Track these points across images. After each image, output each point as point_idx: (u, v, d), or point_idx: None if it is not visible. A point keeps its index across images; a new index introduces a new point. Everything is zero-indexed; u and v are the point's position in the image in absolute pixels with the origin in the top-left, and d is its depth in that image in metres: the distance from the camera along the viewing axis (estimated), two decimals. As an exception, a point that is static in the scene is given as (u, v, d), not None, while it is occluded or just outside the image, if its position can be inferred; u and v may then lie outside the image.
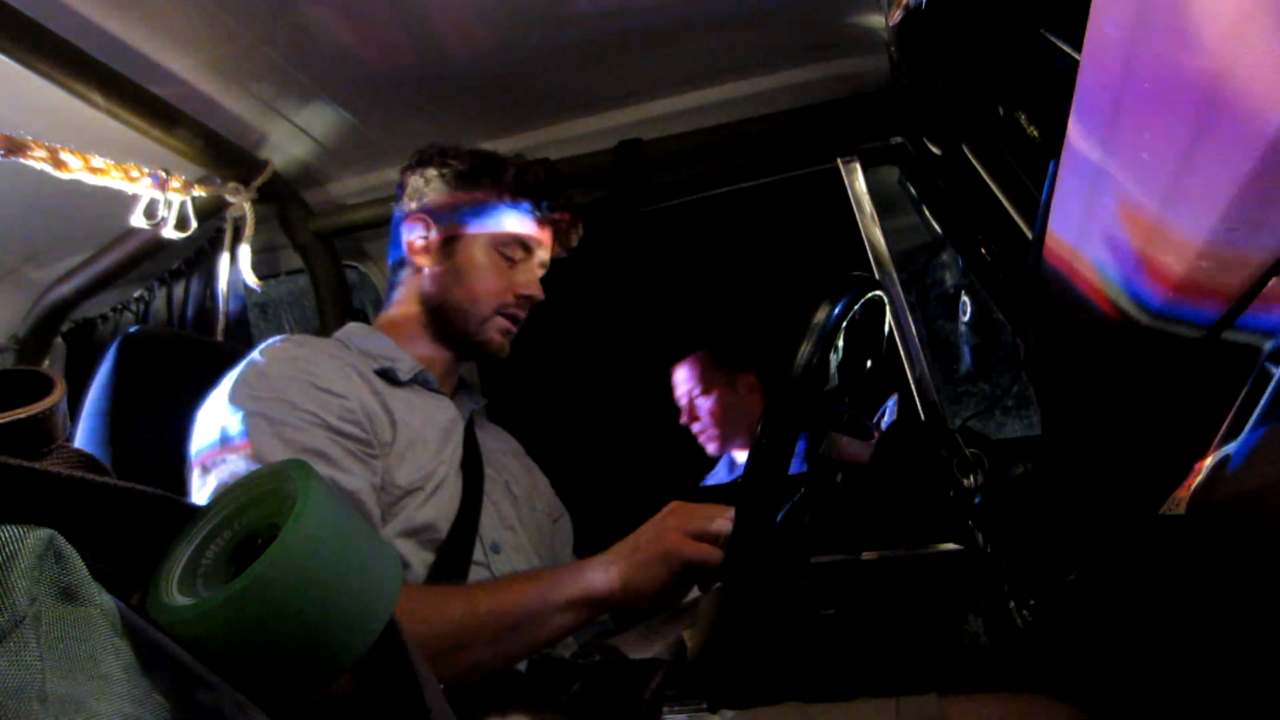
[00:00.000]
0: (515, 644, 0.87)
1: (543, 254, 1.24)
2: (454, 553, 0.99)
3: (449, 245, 1.19)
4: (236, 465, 0.86)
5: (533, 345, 1.32)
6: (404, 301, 1.22)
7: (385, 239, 1.84)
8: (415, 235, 1.21)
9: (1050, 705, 0.83)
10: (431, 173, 1.22)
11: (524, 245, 1.21)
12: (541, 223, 1.23)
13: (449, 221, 1.20)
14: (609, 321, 2.62)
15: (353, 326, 1.21)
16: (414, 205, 1.22)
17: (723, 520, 0.90)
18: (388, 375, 1.11)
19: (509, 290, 1.19)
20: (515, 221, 1.20)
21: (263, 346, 1.01)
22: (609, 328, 2.64)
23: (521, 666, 1.01)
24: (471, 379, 1.39)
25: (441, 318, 1.19)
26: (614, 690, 0.99)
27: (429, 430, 1.08)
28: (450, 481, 1.06)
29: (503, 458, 1.25)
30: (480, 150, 1.25)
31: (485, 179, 1.20)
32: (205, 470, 0.88)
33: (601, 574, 0.89)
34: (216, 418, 0.92)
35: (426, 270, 1.20)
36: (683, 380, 2.22)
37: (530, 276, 1.22)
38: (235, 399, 0.92)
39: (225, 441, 0.89)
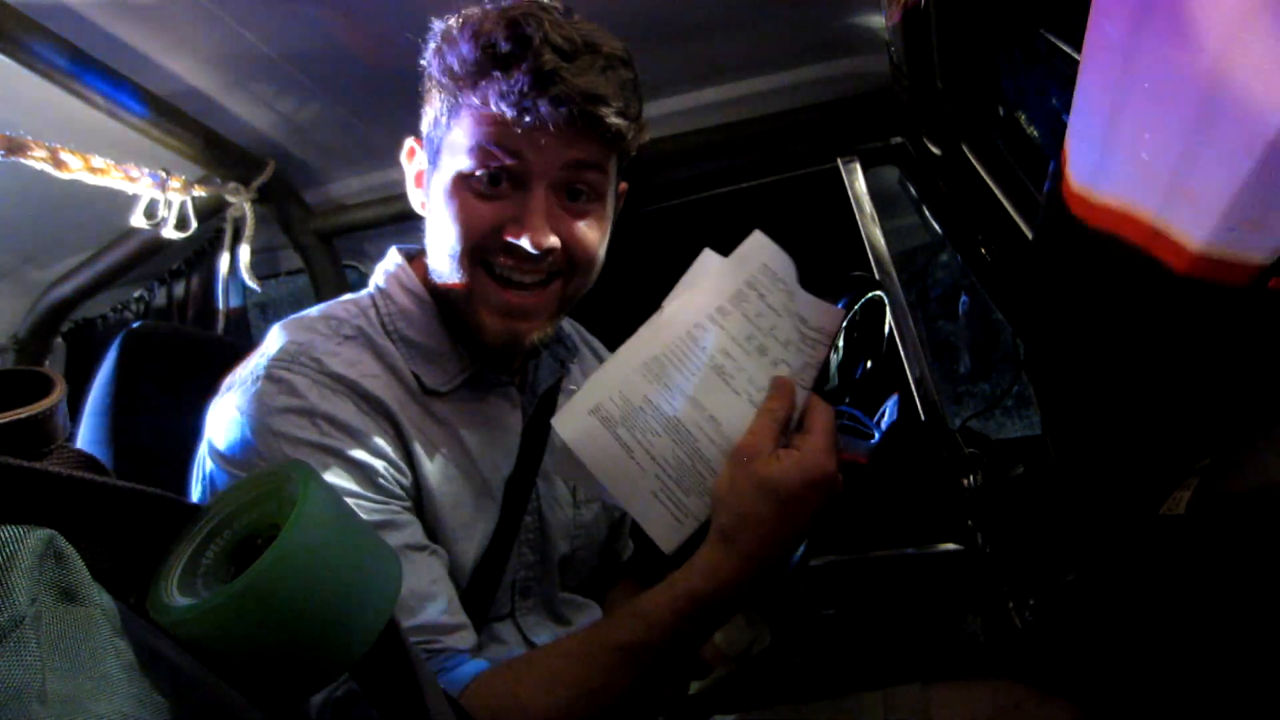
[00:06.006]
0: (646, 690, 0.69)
1: (544, 168, 0.76)
2: (471, 604, 0.80)
3: (427, 181, 0.84)
4: None
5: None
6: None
7: (385, 239, 1.86)
8: (411, 170, 0.88)
9: (1032, 693, 0.83)
10: (431, 72, 0.82)
11: (492, 164, 0.76)
12: (516, 118, 0.73)
13: (427, 145, 0.84)
14: (609, 321, 2.62)
15: (396, 282, 0.88)
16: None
17: (786, 403, 0.68)
18: (429, 387, 0.84)
19: (487, 238, 0.78)
20: (479, 127, 0.76)
21: (265, 370, 0.76)
22: (609, 327, 2.63)
23: None
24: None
25: (442, 297, 0.86)
26: None
27: (467, 464, 0.84)
28: (486, 522, 0.85)
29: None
30: (468, 13, 0.78)
31: (435, 69, 0.80)
32: None
33: (741, 596, 0.67)
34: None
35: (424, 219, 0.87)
36: None
37: (518, 213, 0.76)
38: (245, 467, 0.73)
39: None
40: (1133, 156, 0.60)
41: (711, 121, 1.58)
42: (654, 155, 1.60)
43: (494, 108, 0.73)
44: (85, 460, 0.41)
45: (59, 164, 1.23)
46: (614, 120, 0.75)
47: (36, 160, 1.20)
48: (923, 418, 1.60)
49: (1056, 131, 0.74)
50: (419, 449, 0.80)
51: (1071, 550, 1.00)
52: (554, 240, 0.77)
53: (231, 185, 1.59)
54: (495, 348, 0.83)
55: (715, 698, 0.96)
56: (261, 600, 0.37)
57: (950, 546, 1.51)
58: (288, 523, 0.39)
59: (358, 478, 0.75)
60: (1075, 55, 0.65)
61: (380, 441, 0.77)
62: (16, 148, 1.17)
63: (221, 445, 0.75)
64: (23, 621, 0.29)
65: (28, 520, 0.32)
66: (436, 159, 0.82)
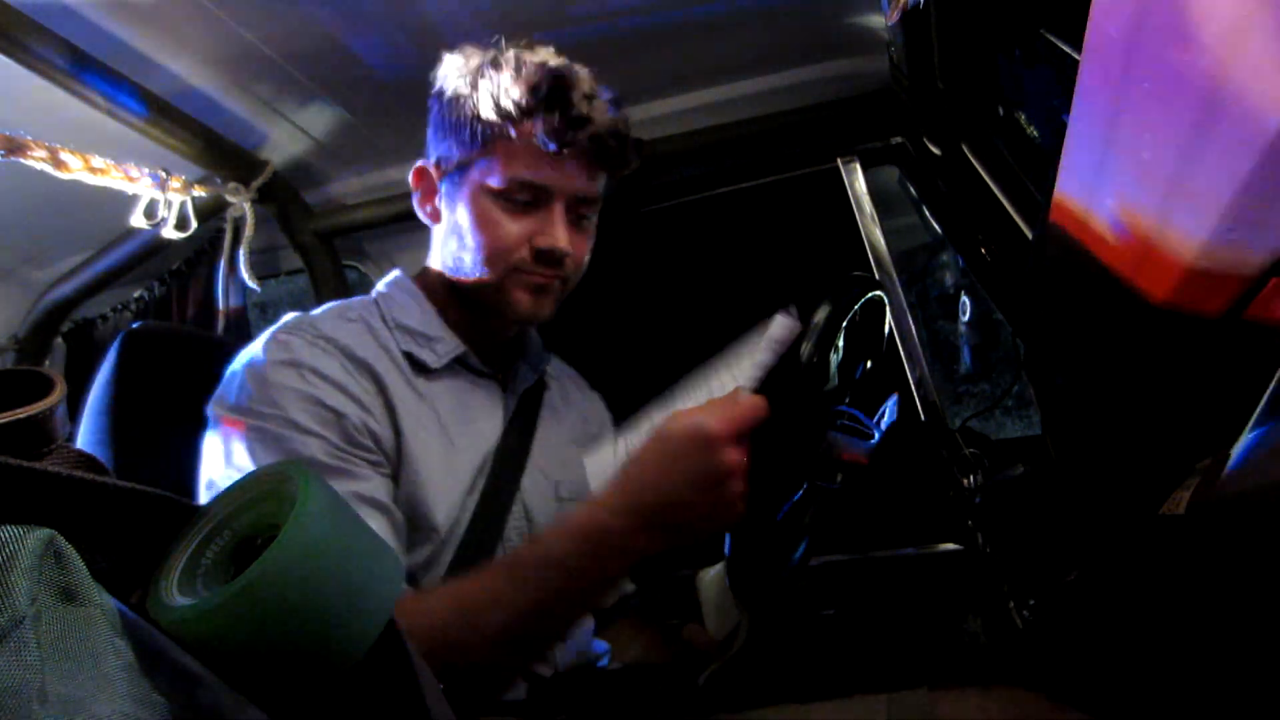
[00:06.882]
0: (534, 648, 0.80)
1: (567, 190, 0.94)
2: None
3: (447, 196, 0.98)
4: None
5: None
6: (430, 262, 1.04)
7: (385, 239, 1.86)
8: (418, 188, 1.02)
9: (1039, 701, 0.83)
10: (431, 106, 1.00)
11: (529, 186, 0.92)
12: (550, 150, 0.90)
13: (443, 167, 0.98)
14: (607, 322, 2.62)
15: (398, 287, 1.03)
16: (423, 152, 1.04)
17: (732, 405, 0.74)
18: (419, 362, 0.96)
19: (520, 245, 0.93)
20: (515, 156, 0.92)
21: (270, 335, 0.89)
22: (608, 328, 2.64)
23: (520, 694, 0.98)
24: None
25: (457, 286, 0.99)
26: (616, 698, 0.99)
27: (453, 437, 0.94)
28: (470, 507, 0.94)
29: (559, 449, 1.08)
30: (489, 56, 0.95)
31: (465, 105, 0.94)
32: (211, 489, 0.85)
33: (634, 550, 0.73)
34: (221, 433, 0.84)
35: (436, 230, 1.02)
36: None
37: (548, 225, 0.93)
38: (237, 411, 0.84)
39: (231, 462, 0.83)
40: (1133, 156, 0.60)
41: (711, 121, 1.58)
42: (654, 155, 1.60)
43: (536, 140, 0.90)
44: (85, 460, 0.41)
45: (59, 164, 1.23)
46: (622, 155, 0.96)
47: (36, 160, 1.20)
48: (923, 418, 1.60)
49: (1056, 132, 0.74)
50: (401, 415, 0.90)
51: (1072, 550, 1.00)
52: (571, 246, 0.95)
53: (231, 185, 1.59)
54: (520, 320, 0.99)
55: (716, 697, 0.96)
56: (261, 600, 0.37)
57: (950, 546, 1.51)
58: (288, 523, 0.39)
59: (328, 423, 0.84)
60: (1075, 55, 0.65)
61: (360, 396, 0.88)
62: (16, 148, 1.17)
63: (222, 396, 0.87)
64: (23, 621, 0.29)
65: (28, 520, 0.32)
66: (462, 177, 0.96)
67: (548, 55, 0.94)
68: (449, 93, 0.96)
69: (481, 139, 0.92)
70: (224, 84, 1.40)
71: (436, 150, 0.99)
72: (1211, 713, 0.66)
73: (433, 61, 1.39)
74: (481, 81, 0.92)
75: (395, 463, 0.88)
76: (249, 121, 1.52)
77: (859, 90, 1.52)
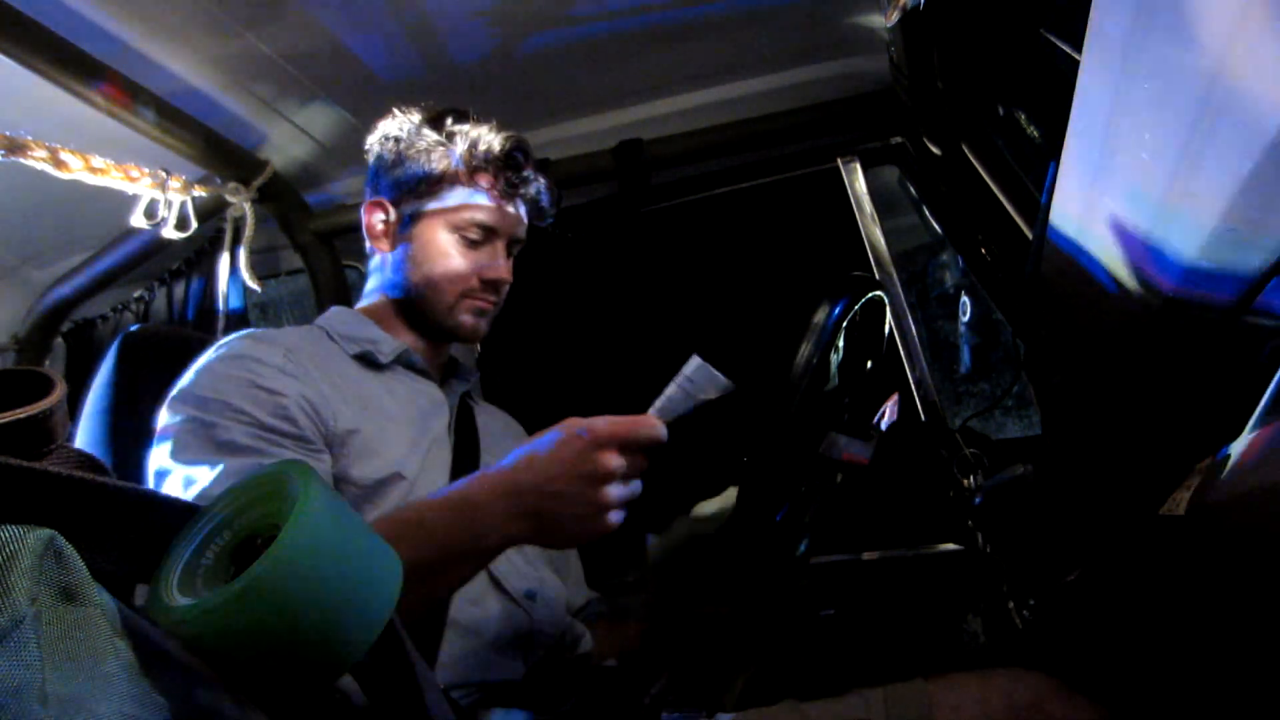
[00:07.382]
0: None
1: (509, 233, 1.14)
2: None
3: (405, 229, 1.13)
4: (177, 475, 0.85)
5: (533, 346, 1.31)
6: (375, 289, 1.18)
7: (385, 239, 1.86)
8: (374, 219, 1.15)
9: (1029, 677, 0.83)
10: (386, 152, 1.15)
11: (483, 227, 1.11)
12: (503, 201, 1.12)
13: (402, 204, 1.14)
14: (608, 322, 2.63)
15: (335, 312, 1.17)
16: (372, 187, 1.17)
17: (634, 427, 0.76)
18: (368, 359, 1.08)
19: (472, 275, 1.12)
20: (471, 202, 1.11)
21: (223, 342, 0.99)
22: (608, 328, 2.64)
23: (519, 674, 0.99)
24: (467, 361, 1.32)
25: (408, 305, 1.14)
26: (614, 696, 0.99)
27: (407, 413, 1.05)
28: (438, 470, 1.03)
29: (501, 442, 1.19)
30: (439, 118, 1.14)
31: (434, 155, 1.11)
32: (159, 478, 0.87)
33: (500, 531, 0.75)
34: (164, 421, 0.91)
35: (388, 257, 1.15)
36: None
37: (494, 259, 1.13)
38: (180, 401, 0.92)
39: (165, 446, 0.88)
40: (1133, 156, 0.60)
41: (711, 121, 1.58)
42: (654, 155, 1.60)
43: (497, 190, 1.11)
44: (85, 460, 0.41)
45: (59, 164, 1.23)
46: (549, 209, 1.20)
47: (36, 160, 1.20)
48: (923, 418, 1.60)
49: (1056, 132, 0.74)
50: (352, 389, 1.00)
51: (1072, 550, 1.00)
52: (508, 276, 1.15)
53: (231, 185, 1.59)
54: (463, 338, 1.16)
55: (716, 694, 0.96)
56: (261, 600, 0.37)
57: (950, 546, 1.51)
58: (288, 523, 0.39)
59: (260, 403, 0.90)
60: (1075, 55, 0.65)
61: (301, 375, 0.96)
62: (16, 148, 1.17)
63: (172, 391, 0.94)
64: (23, 621, 0.29)
65: (28, 520, 0.32)
66: (424, 215, 1.12)
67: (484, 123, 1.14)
68: (407, 142, 1.13)
69: (446, 186, 1.11)
70: (224, 84, 1.40)
71: (398, 189, 1.13)
72: (1211, 710, 0.66)
73: (433, 61, 1.40)
74: (451, 140, 1.12)
75: (349, 428, 0.96)
76: (249, 121, 1.52)
77: (859, 90, 1.52)
